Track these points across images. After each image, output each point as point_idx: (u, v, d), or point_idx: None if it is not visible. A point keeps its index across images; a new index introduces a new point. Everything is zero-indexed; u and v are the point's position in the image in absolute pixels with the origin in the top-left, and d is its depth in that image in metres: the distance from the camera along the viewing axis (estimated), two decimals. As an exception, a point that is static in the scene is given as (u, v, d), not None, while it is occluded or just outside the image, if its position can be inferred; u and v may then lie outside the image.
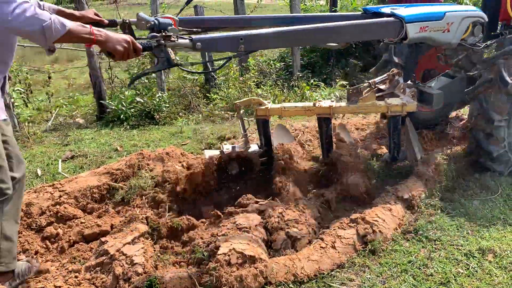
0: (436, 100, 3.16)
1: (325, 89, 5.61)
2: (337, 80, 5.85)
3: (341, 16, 3.19)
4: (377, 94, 3.20)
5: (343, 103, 3.18)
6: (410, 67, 3.51)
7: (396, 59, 3.53)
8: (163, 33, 2.01)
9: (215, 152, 3.32)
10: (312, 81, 5.72)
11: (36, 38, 1.78)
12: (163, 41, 2.00)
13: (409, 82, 3.42)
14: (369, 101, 3.12)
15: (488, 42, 3.25)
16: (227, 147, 3.28)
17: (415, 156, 3.26)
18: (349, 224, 2.62)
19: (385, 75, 3.31)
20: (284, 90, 5.59)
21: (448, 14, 2.96)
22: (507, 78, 2.98)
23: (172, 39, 2.02)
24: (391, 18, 2.83)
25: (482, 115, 3.16)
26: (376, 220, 2.61)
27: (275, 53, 7.45)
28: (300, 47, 6.37)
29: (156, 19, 2.20)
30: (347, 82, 5.73)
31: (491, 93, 3.07)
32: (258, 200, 2.89)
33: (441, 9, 3.02)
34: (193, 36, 2.13)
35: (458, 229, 2.65)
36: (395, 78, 3.25)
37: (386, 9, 3.02)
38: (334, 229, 2.60)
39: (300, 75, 5.93)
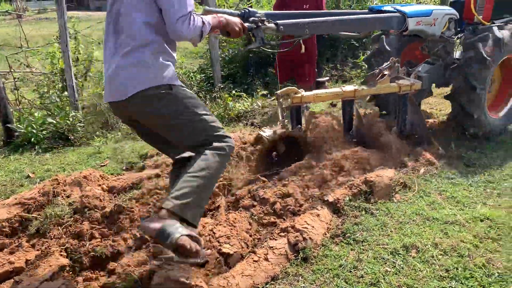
0: (425, 81, 4.00)
1: (247, 99, 5.65)
2: (258, 90, 5.92)
3: (354, 12, 4.26)
4: (383, 79, 3.73)
5: (364, 87, 3.70)
6: (397, 57, 4.06)
7: (388, 48, 4.24)
8: (260, 18, 2.72)
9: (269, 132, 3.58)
10: (234, 91, 5.72)
11: (194, 40, 2.17)
12: (260, 24, 2.67)
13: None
14: (384, 83, 3.72)
15: (459, 35, 4.21)
16: (268, 131, 3.58)
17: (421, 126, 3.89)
18: (279, 234, 2.62)
19: (388, 62, 3.79)
20: (207, 102, 5.54)
21: (434, 11, 3.86)
22: (485, 55, 3.72)
23: (265, 23, 2.72)
24: (399, 14, 3.67)
25: (466, 85, 3.81)
26: (305, 227, 2.64)
27: (195, 65, 7.39)
28: (220, 59, 6.38)
29: (246, 8, 2.96)
30: (267, 92, 5.81)
31: (473, 67, 3.78)
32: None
33: (429, 7, 4.01)
34: (278, 21, 2.86)
35: (382, 229, 2.76)
36: (396, 65, 3.79)
37: (388, 7, 3.87)
38: (266, 241, 2.59)
39: (222, 86, 5.92)
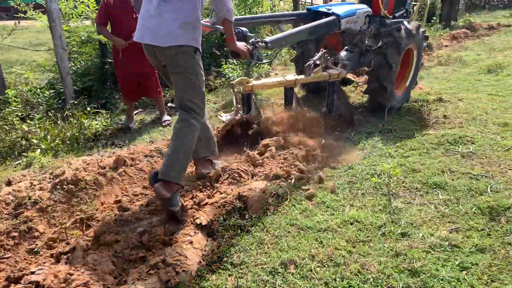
0: (349, 68, 4.83)
1: (106, 115, 5.12)
2: (117, 106, 5.43)
3: (293, 13, 5.03)
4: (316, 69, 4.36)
5: (303, 76, 4.32)
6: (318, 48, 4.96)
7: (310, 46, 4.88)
8: (255, 39, 3.23)
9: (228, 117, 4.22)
10: (89, 108, 5.14)
11: (228, 21, 2.82)
12: (257, 45, 3.18)
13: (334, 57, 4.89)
14: (318, 72, 4.39)
15: (371, 27, 4.96)
16: (225, 116, 4.27)
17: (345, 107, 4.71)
18: (149, 272, 2.32)
19: (319, 54, 4.41)
20: (59, 122, 4.87)
21: (358, 11, 4.71)
22: (399, 41, 4.61)
23: (260, 43, 3.23)
24: (335, 17, 4.44)
25: (385, 64, 4.64)
26: (178, 260, 2.38)
27: (43, 80, 6.53)
28: (71, 72, 5.71)
29: (240, 28, 3.20)
30: (128, 105, 5.37)
31: (390, 50, 4.63)
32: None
33: (353, 7, 4.75)
34: (266, 39, 3.38)
35: (259, 246, 2.63)
36: (325, 56, 4.49)
37: (323, 9, 4.68)
38: (134, 283, 2.26)
39: (75, 102, 5.28)
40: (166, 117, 5.25)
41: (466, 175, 3.43)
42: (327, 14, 4.53)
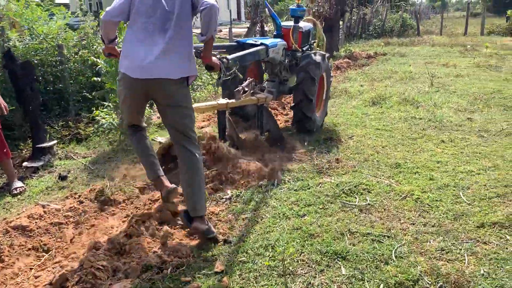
0: (275, 94, 5.45)
1: None
2: None
3: (224, 45, 5.43)
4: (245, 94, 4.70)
5: (233, 100, 4.50)
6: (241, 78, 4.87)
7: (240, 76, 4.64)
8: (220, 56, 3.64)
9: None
10: None
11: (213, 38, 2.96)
12: (223, 60, 3.58)
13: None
14: (247, 97, 4.66)
15: (287, 60, 5.66)
16: (161, 138, 4.53)
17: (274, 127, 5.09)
18: None
19: (247, 81, 4.79)
20: None
21: (278, 43, 5.29)
22: (314, 76, 5.19)
23: (224, 59, 3.62)
24: (264, 47, 4.93)
25: (305, 96, 5.18)
26: None
27: None
28: None
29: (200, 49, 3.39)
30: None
31: (308, 85, 5.19)
32: None
33: (275, 40, 5.33)
34: (228, 56, 3.84)
35: None
36: (252, 83, 4.83)
37: (250, 41, 5.16)
38: None
39: None
40: (17, 184, 4.23)
41: (367, 237, 3.06)
42: (255, 45, 4.97)
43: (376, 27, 23.18)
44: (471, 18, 24.94)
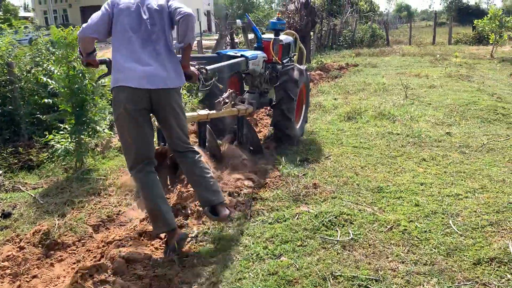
0: (255, 106, 5.13)
1: None
2: None
3: (204, 57, 6.14)
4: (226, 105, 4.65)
5: (214, 111, 4.46)
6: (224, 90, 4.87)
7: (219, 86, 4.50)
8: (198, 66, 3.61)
9: None
10: None
11: (190, 46, 3.10)
12: (201, 70, 3.57)
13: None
14: (228, 108, 4.63)
15: (267, 72, 5.66)
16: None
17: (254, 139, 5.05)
18: None
19: (228, 93, 4.71)
20: None
21: (258, 55, 5.30)
22: (296, 77, 5.28)
23: (203, 70, 3.61)
24: (244, 58, 5.01)
25: (287, 97, 5.20)
26: None
27: None
28: None
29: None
30: None
31: (290, 85, 5.26)
32: None
33: (255, 53, 5.30)
34: (207, 67, 3.73)
35: None
36: (233, 95, 4.78)
37: (230, 53, 5.25)
38: None
39: None
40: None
41: (353, 283, 2.67)
42: (235, 57, 5.01)
43: (347, 37, 23.25)
44: (437, 27, 25.35)
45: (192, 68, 3.27)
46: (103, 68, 3.41)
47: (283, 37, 5.97)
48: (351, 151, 5.33)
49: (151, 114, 3.13)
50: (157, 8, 3.05)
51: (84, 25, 2.98)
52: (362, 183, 4.26)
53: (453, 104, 7.81)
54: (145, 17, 3.01)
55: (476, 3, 56.69)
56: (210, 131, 4.42)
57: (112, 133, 5.62)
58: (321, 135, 6.10)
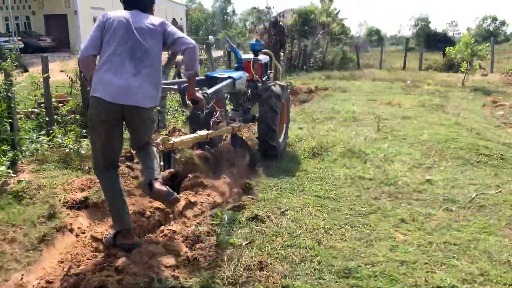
0: (244, 122, 5.83)
1: None
2: None
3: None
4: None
5: (212, 131, 4.86)
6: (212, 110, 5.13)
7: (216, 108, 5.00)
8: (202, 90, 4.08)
9: None
10: None
11: (196, 74, 3.36)
12: (205, 94, 3.91)
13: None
14: (223, 127, 5.13)
15: (249, 90, 5.99)
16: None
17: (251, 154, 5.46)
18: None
19: (218, 112, 5.12)
20: None
21: (243, 75, 5.71)
22: (278, 93, 5.70)
23: (205, 94, 3.93)
24: (232, 79, 5.28)
25: (271, 110, 5.53)
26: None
27: None
28: None
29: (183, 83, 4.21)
30: None
31: (273, 99, 5.60)
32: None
33: (239, 73, 5.65)
34: (207, 91, 4.21)
35: None
36: (223, 114, 5.21)
37: (217, 74, 5.46)
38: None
39: None
40: None
41: None
42: (223, 79, 5.17)
43: (317, 59, 22.59)
44: (407, 52, 25.09)
45: (197, 94, 3.52)
46: None
47: (261, 56, 6.34)
48: (313, 203, 4.29)
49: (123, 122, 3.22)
50: (149, 27, 3.15)
51: (82, 46, 3.10)
52: (325, 259, 3.19)
53: (430, 140, 6.93)
54: (134, 34, 3.09)
55: (443, 30, 57.73)
56: (173, 157, 4.48)
57: (11, 171, 4.39)
58: (279, 178, 5.05)
